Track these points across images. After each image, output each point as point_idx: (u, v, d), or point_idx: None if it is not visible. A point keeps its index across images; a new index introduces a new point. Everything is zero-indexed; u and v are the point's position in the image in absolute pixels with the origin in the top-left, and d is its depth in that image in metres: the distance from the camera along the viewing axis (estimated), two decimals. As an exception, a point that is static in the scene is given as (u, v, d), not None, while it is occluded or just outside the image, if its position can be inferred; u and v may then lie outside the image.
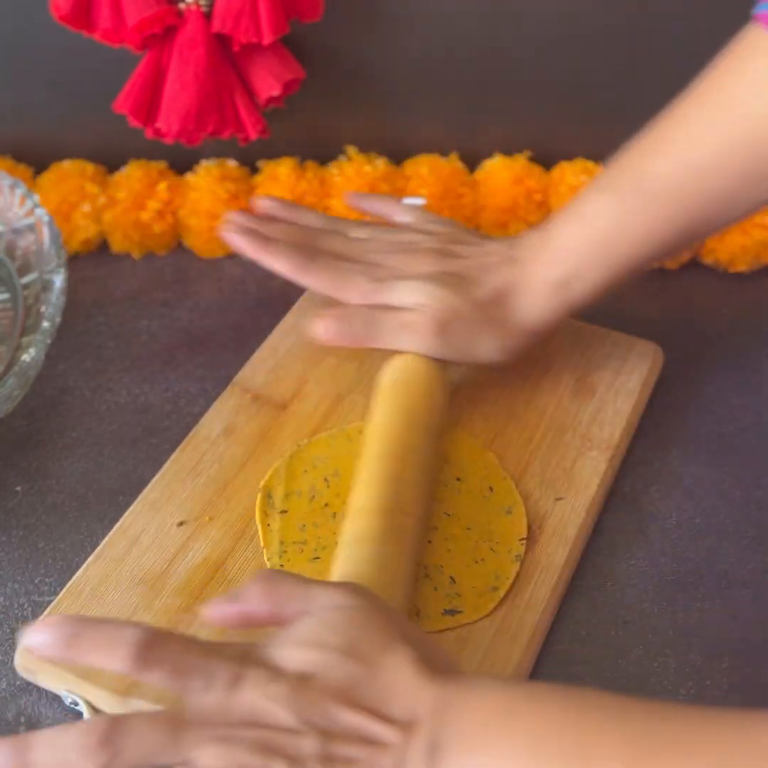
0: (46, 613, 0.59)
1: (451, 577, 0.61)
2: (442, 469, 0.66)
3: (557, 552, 0.63)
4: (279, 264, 0.70)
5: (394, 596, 0.56)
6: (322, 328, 0.67)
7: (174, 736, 0.46)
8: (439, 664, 0.49)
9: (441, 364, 0.68)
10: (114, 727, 0.45)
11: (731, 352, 0.77)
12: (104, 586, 0.60)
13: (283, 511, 0.64)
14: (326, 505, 0.64)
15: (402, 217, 0.74)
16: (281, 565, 0.62)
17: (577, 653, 0.59)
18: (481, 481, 0.66)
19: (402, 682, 0.47)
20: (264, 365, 0.72)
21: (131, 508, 0.64)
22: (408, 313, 0.67)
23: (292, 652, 0.48)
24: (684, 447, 0.70)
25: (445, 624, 0.59)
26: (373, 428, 0.65)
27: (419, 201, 0.77)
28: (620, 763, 0.44)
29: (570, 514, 0.65)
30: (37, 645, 0.49)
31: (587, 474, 0.67)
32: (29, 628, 0.49)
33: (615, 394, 0.71)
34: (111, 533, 0.63)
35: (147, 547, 0.62)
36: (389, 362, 0.68)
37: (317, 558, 0.62)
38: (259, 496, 0.65)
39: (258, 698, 0.46)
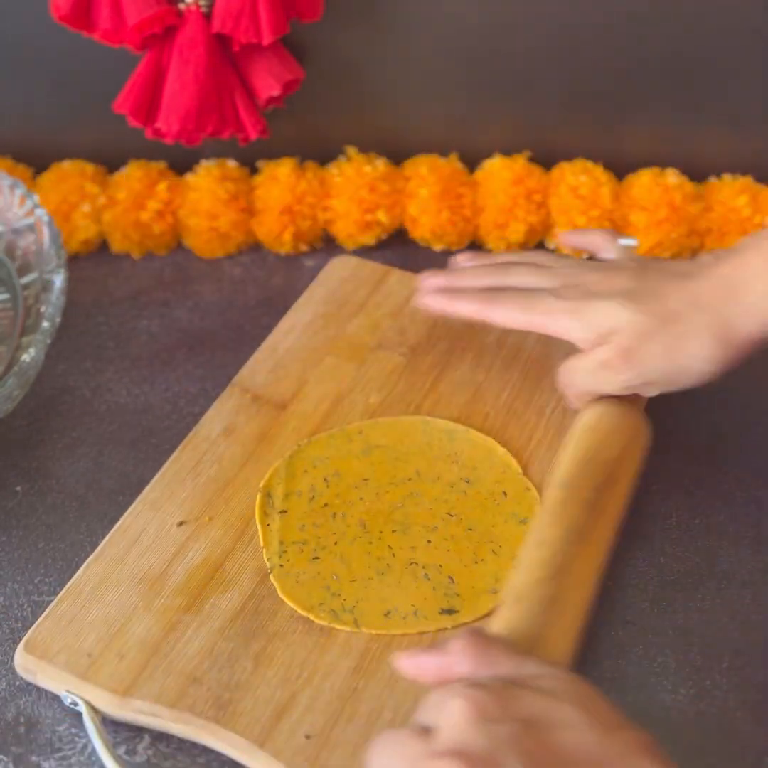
0: (46, 613, 0.59)
1: (450, 577, 0.61)
2: (450, 469, 0.66)
3: None
4: (465, 308, 0.67)
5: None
6: (568, 400, 0.66)
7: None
8: (663, 756, 0.45)
9: (632, 404, 0.65)
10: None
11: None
12: (104, 586, 0.60)
13: (283, 511, 0.64)
14: (326, 504, 0.64)
15: (608, 255, 0.70)
16: (281, 565, 0.62)
17: (576, 653, 0.59)
18: (494, 484, 0.66)
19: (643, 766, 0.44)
20: (264, 365, 0.72)
21: (131, 508, 0.64)
22: (596, 351, 0.63)
23: (526, 695, 0.46)
24: (684, 447, 0.70)
25: (442, 623, 0.59)
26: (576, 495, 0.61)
27: (633, 242, 0.71)
28: None
29: None
30: None
31: None
32: None
33: (615, 394, 0.71)
34: (111, 533, 0.63)
35: (147, 547, 0.62)
36: (580, 417, 0.65)
37: (317, 558, 0.62)
38: (258, 496, 0.65)
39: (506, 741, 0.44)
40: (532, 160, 0.84)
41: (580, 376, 0.64)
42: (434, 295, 0.69)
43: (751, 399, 0.73)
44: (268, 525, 0.64)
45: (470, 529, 0.64)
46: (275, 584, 0.61)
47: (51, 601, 0.60)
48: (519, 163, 0.83)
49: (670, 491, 0.68)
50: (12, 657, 0.59)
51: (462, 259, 0.72)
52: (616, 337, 0.62)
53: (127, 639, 0.58)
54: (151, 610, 0.59)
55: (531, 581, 0.56)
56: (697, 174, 0.82)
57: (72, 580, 0.61)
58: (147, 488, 0.65)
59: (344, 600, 0.60)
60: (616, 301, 0.62)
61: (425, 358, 0.73)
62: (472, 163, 0.84)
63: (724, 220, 0.81)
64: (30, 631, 0.58)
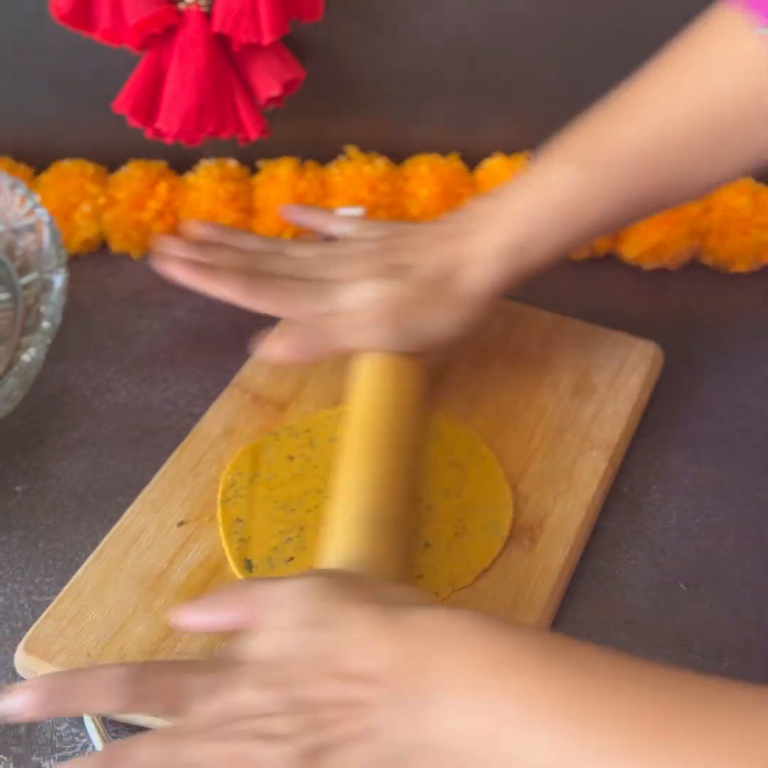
0: (46, 613, 0.59)
1: (425, 543, 0.62)
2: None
3: (557, 552, 0.63)
4: (224, 290, 0.68)
5: (384, 568, 0.57)
6: (279, 349, 0.67)
7: (173, 748, 0.47)
8: (408, 613, 0.48)
9: (405, 356, 0.67)
10: (118, 753, 0.47)
11: (731, 352, 0.77)
12: (104, 586, 0.60)
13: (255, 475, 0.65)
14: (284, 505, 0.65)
15: (338, 228, 0.74)
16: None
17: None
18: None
19: (366, 637, 0.47)
20: (264, 366, 0.72)
21: (131, 508, 0.64)
22: (357, 313, 0.66)
23: (258, 642, 0.49)
24: (684, 447, 0.70)
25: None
26: (347, 426, 0.65)
27: (358, 211, 0.76)
28: (625, 735, 0.42)
29: (570, 514, 0.64)
30: (21, 707, 0.49)
31: (587, 474, 0.67)
32: (7, 695, 0.49)
33: (615, 394, 0.71)
34: (111, 533, 0.63)
35: (147, 547, 0.62)
36: (356, 360, 0.68)
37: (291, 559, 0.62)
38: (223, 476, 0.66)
39: (239, 693, 0.47)
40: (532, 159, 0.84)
41: (342, 332, 0.66)
42: (185, 268, 0.69)
43: (751, 399, 0.73)
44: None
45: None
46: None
47: (51, 601, 0.60)
48: (519, 163, 0.83)
49: (670, 491, 0.68)
50: (12, 657, 0.58)
51: (200, 230, 0.73)
52: (377, 304, 0.66)
53: (127, 639, 0.58)
54: (151, 610, 0.59)
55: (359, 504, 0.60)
56: (697, 174, 0.82)
57: (72, 580, 0.61)
58: (147, 488, 0.65)
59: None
60: (369, 280, 0.67)
61: (425, 357, 0.73)
62: (472, 163, 0.84)
63: (724, 220, 0.81)
64: (30, 631, 0.58)
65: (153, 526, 0.63)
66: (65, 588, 0.60)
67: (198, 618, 0.53)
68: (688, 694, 0.43)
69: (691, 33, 0.64)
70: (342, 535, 0.58)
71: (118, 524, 0.63)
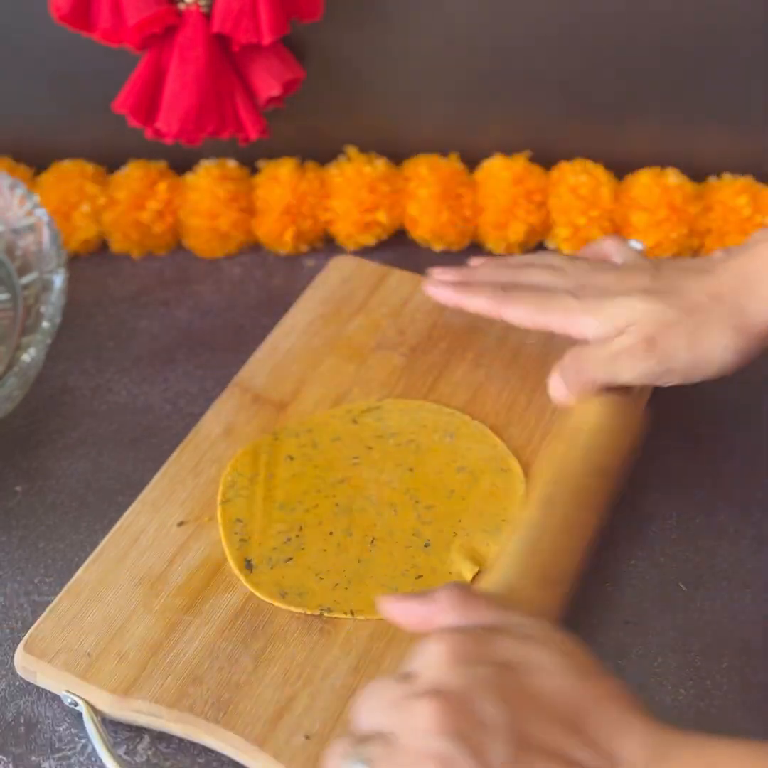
0: (45, 613, 0.59)
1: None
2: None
3: None
4: (478, 303, 0.67)
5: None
6: (552, 388, 0.65)
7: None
8: (644, 709, 0.46)
9: (626, 399, 0.64)
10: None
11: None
12: (104, 586, 0.60)
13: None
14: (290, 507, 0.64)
15: (617, 258, 0.69)
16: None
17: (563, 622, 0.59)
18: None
19: (623, 715, 0.45)
20: (264, 366, 0.72)
21: (131, 508, 0.64)
22: (617, 339, 0.62)
23: (506, 641, 0.46)
24: (684, 447, 0.70)
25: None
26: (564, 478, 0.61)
27: (639, 245, 0.72)
28: None
29: None
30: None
31: None
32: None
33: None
34: (111, 533, 0.63)
35: (147, 547, 0.62)
36: (574, 413, 0.64)
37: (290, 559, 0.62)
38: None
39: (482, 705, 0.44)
40: (532, 160, 0.84)
41: (595, 363, 0.63)
42: (445, 287, 0.69)
43: (751, 398, 0.73)
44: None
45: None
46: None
47: (51, 601, 0.60)
48: (519, 163, 0.83)
49: (670, 491, 0.68)
50: (12, 657, 0.59)
51: (475, 262, 0.72)
52: (637, 327, 0.62)
53: (127, 639, 0.58)
54: (151, 610, 0.59)
55: (515, 552, 0.56)
56: (697, 174, 0.82)
57: (72, 580, 0.61)
58: (147, 488, 0.65)
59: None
60: (636, 297, 0.63)
61: (425, 358, 0.73)
62: (472, 163, 0.84)
63: (724, 220, 0.81)
64: (30, 631, 0.58)
65: (153, 526, 0.63)
66: (65, 588, 0.60)
67: (410, 608, 0.50)
68: None
69: None
70: (530, 589, 0.55)
71: (118, 524, 0.63)
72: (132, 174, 0.83)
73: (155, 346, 0.77)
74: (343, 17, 0.78)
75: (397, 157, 0.84)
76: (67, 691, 0.57)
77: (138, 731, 0.57)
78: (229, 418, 0.69)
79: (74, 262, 0.80)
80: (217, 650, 0.58)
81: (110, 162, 0.84)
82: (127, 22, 0.73)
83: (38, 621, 0.59)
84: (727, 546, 0.65)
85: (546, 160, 0.84)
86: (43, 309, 0.69)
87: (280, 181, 0.82)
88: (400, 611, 0.51)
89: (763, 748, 0.45)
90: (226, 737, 0.55)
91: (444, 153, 0.84)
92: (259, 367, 0.72)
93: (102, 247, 0.83)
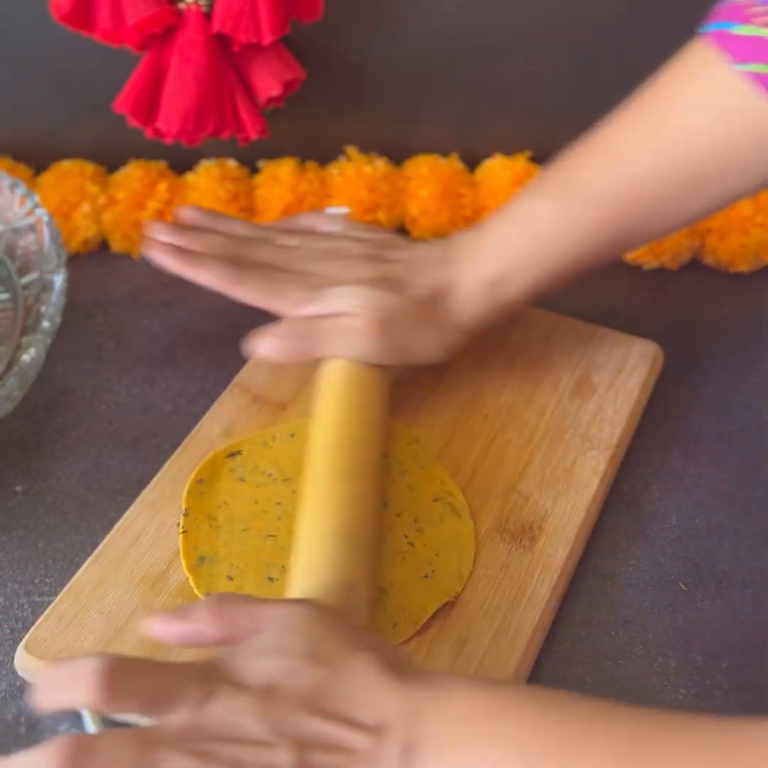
0: (46, 613, 0.59)
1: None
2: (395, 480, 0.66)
3: (557, 552, 0.63)
4: (208, 277, 0.68)
5: (357, 601, 0.56)
6: (262, 347, 0.66)
7: (144, 754, 0.44)
8: (403, 668, 0.48)
9: (372, 366, 0.67)
10: (82, 747, 0.44)
11: (731, 352, 0.77)
12: (104, 586, 0.60)
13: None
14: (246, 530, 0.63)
15: (327, 226, 0.74)
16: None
17: (577, 653, 0.59)
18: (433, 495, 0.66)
19: (369, 685, 0.47)
20: (264, 366, 0.72)
21: (131, 508, 0.64)
22: (345, 318, 0.66)
23: (254, 663, 0.48)
24: (684, 447, 0.70)
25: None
26: (316, 437, 0.64)
27: (343, 210, 0.77)
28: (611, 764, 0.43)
29: (570, 513, 0.64)
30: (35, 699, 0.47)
31: (587, 474, 0.67)
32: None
33: (615, 394, 0.71)
34: (111, 533, 0.63)
35: (147, 547, 0.62)
36: (324, 367, 0.67)
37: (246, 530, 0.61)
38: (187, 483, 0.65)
39: (227, 713, 0.46)
40: (532, 160, 0.84)
41: (326, 336, 0.66)
42: (168, 253, 0.69)
43: (751, 399, 0.73)
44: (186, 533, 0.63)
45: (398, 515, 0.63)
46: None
47: (51, 601, 0.60)
48: (519, 163, 0.83)
49: (670, 491, 0.68)
50: (12, 657, 0.59)
51: (189, 215, 0.73)
52: (364, 311, 0.66)
53: (127, 639, 0.58)
54: (151, 610, 0.59)
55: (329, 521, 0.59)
56: (697, 174, 0.82)
57: (72, 580, 0.61)
58: (147, 488, 0.65)
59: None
60: (361, 286, 0.67)
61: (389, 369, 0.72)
62: (472, 163, 0.84)
63: (724, 220, 0.81)
64: (30, 632, 0.58)
65: (153, 527, 0.63)
66: (65, 588, 0.60)
67: (169, 628, 0.51)
68: (662, 730, 0.44)
69: (667, 70, 0.65)
70: (316, 552, 0.58)
71: (118, 525, 0.63)
72: (132, 174, 0.83)
73: (155, 346, 0.76)
74: (343, 17, 0.78)
75: (397, 157, 0.84)
76: None
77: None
78: (229, 418, 0.69)
79: (74, 262, 0.80)
80: (216, 650, 0.57)
81: (110, 162, 0.84)
82: (127, 22, 0.73)
83: (39, 621, 0.59)
84: (727, 546, 0.65)
85: (546, 160, 0.84)
86: (43, 309, 0.69)
87: (280, 181, 0.82)
88: (162, 632, 0.51)
89: (539, 693, 0.47)
90: None
91: (444, 153, 0.84)
92: (259, 367, 0.72)
93: (102, 247, 0.83)
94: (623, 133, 0.66)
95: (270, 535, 0.62)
